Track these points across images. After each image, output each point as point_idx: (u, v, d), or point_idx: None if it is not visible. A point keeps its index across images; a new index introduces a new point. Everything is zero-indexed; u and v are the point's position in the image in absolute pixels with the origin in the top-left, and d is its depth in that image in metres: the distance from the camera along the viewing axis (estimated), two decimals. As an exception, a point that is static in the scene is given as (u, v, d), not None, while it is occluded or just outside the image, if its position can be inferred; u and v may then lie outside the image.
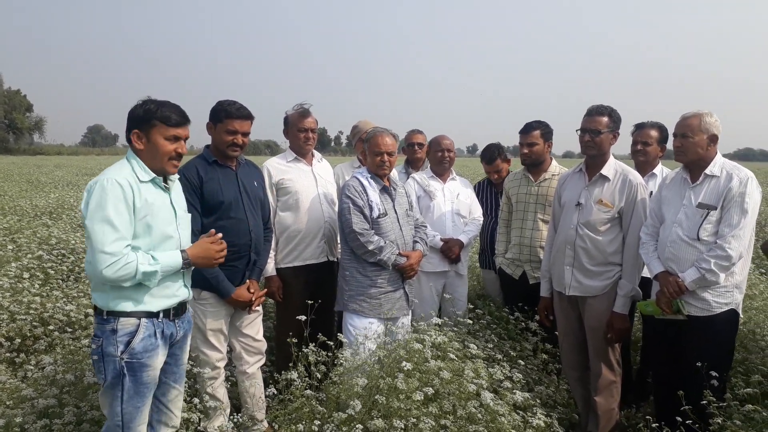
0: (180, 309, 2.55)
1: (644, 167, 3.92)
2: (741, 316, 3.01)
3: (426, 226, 3.85)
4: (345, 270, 3.45)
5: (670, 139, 3.42)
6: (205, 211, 3.09)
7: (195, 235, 2.76)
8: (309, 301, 3.16)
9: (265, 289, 3.44)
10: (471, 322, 3.49)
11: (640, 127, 3.97)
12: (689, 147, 3.00)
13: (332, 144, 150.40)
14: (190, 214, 2.70)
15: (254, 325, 3.41)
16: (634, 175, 3.28)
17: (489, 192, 4.64)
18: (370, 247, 3.29)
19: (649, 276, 3.17)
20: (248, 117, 3.18)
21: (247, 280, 3.27)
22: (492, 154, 4.58)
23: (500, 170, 4.57)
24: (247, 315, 3.34)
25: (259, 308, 3.43)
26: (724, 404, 2.70)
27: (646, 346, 3.91)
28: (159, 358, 2.42)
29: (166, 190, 2.50)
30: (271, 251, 3.66)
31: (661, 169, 3.95)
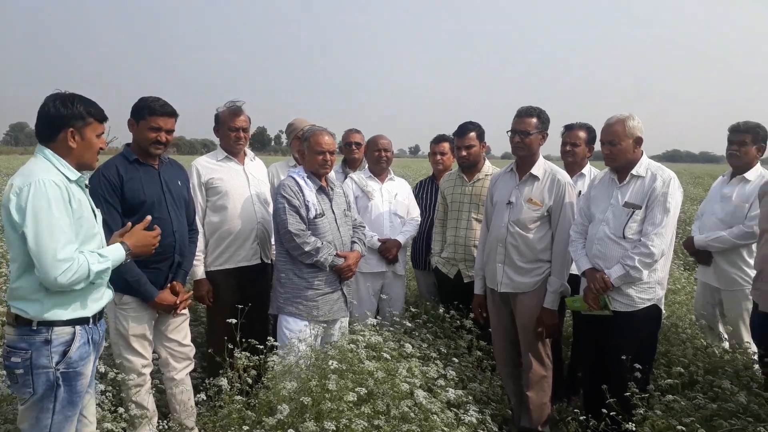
0: (102, 311, 2.48)
1: (573, 167, 4.05)
2: (663, 311, 3.15)
3: (364, 227, 3.83)
4: (280, 272, 3.38)
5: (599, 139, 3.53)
6: (127, 211, 2.97)
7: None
8: (239, 306, 3.07)
9: (191, 292, 3.32)
10: (408, 323, 3.48)
11: (568, 129, 4.09)
12: (617, 153, 3.12)
13: (272, 143, 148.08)
14: (100, 215, 2.60)
15: (180, 330, 3.29)
16: (563, 175, 3.38)
17: (431, 190, 4.65)
18: (307, 248, 3.23)
19: (577, 273, 3.27)
20: (172, 114, 3.08)
21: (172, 283, 3.16)
22: (464, 128, 4.16)
23: (471, 147, 4.09)
24: (172, 319, 3.22)
25: (185, 312, 3.32)
26: (647, 395, 2.81)
27: (576, 342, 4.04)
28: (91, 365, 2.37)
29: (86, 189, 2.43)
30: (200, 253, 3.54)
31: (589, 169, 4.08)
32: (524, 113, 3.38)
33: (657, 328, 3.19)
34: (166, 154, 3.23)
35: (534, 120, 3.35)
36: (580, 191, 3.82)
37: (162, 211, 3.05)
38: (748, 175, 3.80)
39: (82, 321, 2.30)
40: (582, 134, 4.04)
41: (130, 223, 2.54)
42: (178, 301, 3.14)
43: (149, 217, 2.55)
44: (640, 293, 3.05)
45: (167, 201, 3.10)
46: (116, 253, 2.35)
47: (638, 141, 3.09)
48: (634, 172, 3.09)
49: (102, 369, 2.81)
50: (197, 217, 3.50)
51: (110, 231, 2.63)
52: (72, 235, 2.20)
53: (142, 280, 2.97)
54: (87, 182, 2.44)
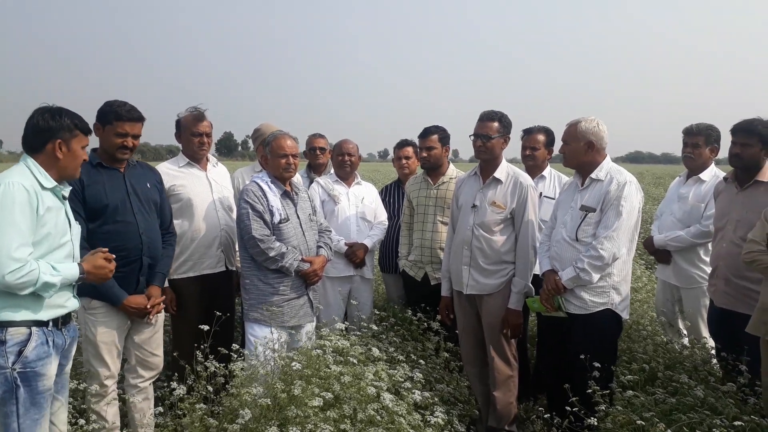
0: (67, 317, 2.48)
1: (533, 170, 4.12)
2: (623, 317, 3.17)
3: (330, 231, 3.82)
4: (245, 278, 3.35)
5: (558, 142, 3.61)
6: (90, 216, 2.94)
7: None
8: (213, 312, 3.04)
9: (163, 296, 3.28)
10: (376, 327, 3.49)
11: (528, 132, 4.16)
12: (568, 154, 3.22)
13: (239, 149, 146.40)
14: (80, 226, 2.64)
15: (154, 339, 3.25)
16: (525, 178, 3.43)
17: (397, 194, 4.68)
18: (271, 254, 3.21)
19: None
20: (139, 119, 3.06)
21: (149, 286, 3.13)
22: (427, 130, 4.20)
23: (432, 149, 4.13)
24: (147, 328, 3.17)
25: (159, 320, 3.27)
26: (608, 392, 2.86)
27: (539, 341, 4.11)
28: (52, 367, 2.37)
29: (64, 200, 2.47)
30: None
31: (549, 171, 4.16)
32: (486, 117, 3.43)
33: (615, 332, 3.22)
34: (133, 159, 3.20)
35: (495, 124, 3.39)
36: (540, 193, 3.89)
37: (126, 215, 3.02)
38: (703, 175, 3.91)
39: (37, 323, 2.31)
40: (541, 137, 4.12)
41: (105, 250, 2.55)
42: (149, 305, 3.08)
43: (106, 250, 2.55)
44: (593, 297, 3.09)
45: (132, 204, 3.06)
46: (70, 271, 2.37)
47: (590, 145, 3.14)
48: (593, 175, 3.15)
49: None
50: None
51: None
52: (29, 239, 2.23)
53: (109, 283, 2.90)
54: (66, 194, 2.48)
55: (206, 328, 2.89)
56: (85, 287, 2.72)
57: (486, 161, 3.47)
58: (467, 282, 3.46)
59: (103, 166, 3.02)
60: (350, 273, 4.20)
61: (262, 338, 3.13)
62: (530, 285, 3.41)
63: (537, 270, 3.44)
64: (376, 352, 3.01)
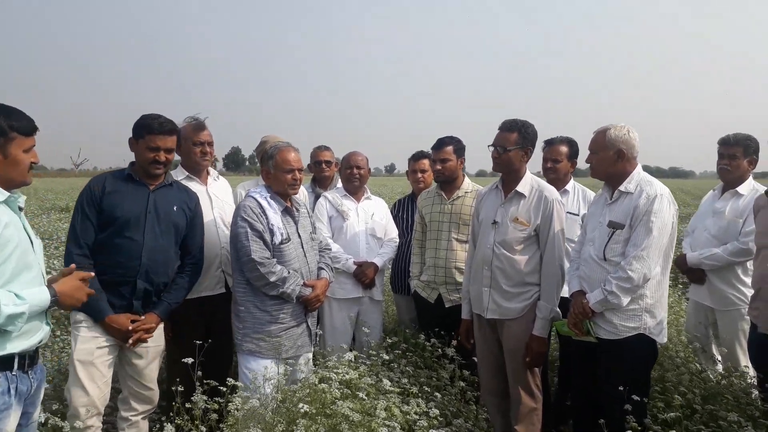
0: (35, 355, 2.14)
1: (556, 184, 3.83)
2: (658, 342, 2.89)
3: (330, 249, 3.57)
4: (239, 305, 3.07)
5: (583, 154, 3.37)
6: (101, 225, 2.83)
7: (83, 248, 2.78)
8: (199, 342, 2.77)
9: (152, 324, 3.02)
10: (387, 356, 3.19)
11: (549, 144, 3.90)
12: (595, 164, 2.96)
13: (247, 163, 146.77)
14: (40, 241, 2.31)
15: (149, 372, 3.00)
16: (550, 191, 3.17)
17: (410, 209, 4.41)
18: (272, 279, 2.94)
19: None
20: (172, 132, 2.93)
21: (147, 315, 2.91)
22: (441, 141, 3.93)
23: (447, 161, 3.83)
24: (139, 359, 2.93)
25: (155, 351, 3.02)
26: (641, 428, 2.57)
27: (565, 368, 3.81)
28: (11, 421, 2.01)
29: (20, 211, 2.14)
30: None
31: (573, 185, 3.89)
32: (504, 127, 3.18)
33: (649, 360, 2.93)
34: (170, 178, 3.09)
35: (514, 135, 3.14)
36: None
37: (135, 232, 2.85)
38: (741, 189, 3.64)
39: (1, 364, 1.98)
40: (563, 149, 3.86)
41: (74, 265, 2.26)
42: (130, 327, 2.82)
43: (78, 272, 2.22)
44: (624, 321, 2.81)
45: (147, 222, 2.89)
46: (38, 297, 2.03)
47: (620, 154, 2.88)
48: (622, 188, 2.89)
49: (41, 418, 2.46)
50: None
51: (77, 243, 2.77)
52: None
53: (96, 295, 2.67)
54: (21, 204, 2.16)
55: (191, 361, 2.59)
56: None
57: (507, 174, 3.22)
58: (488, 305, 3.18)
59: (132, 179, 2.94)
60: (359, 294, 3.94)
61: (259, 372, 2.85)
62: (557, 309, 3.12)
63: (565, 292, 3.17)
64: (387, 383, 2.73)
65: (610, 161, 2.91)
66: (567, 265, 3.20)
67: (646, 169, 2.97)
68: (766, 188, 3.29)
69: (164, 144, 2.89)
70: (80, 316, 2.77)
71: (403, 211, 4.46)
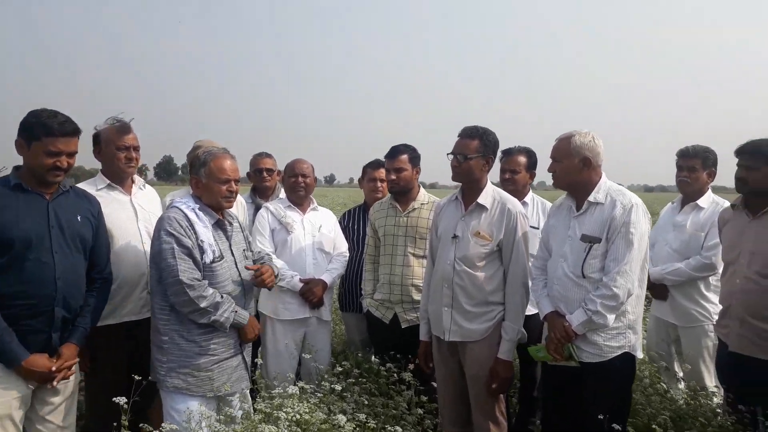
0: None
1: (515, 196, 3.62)
2: (638, 356, 2.74)
3: (270, 255, 3.23)
4: (161, 334, 2.65)
5: (541, 165, 3.18)
6: None
7: None
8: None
9: (77, 359, 2.58)
10: (339, 387, 2.86)
11: (507, 154, 3.71)
12: (559, 172, 2.77)
13: (179, 173, 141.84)
14: None
15: (63, 409, 2.53)
16: (513, 204, 2.95)
17: (361, 220, 4.10)
18: (203, 304, 2.54)
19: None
20: (75, 132, 2.45)
21: (63, 345, 2.46)
22: (396, 150, 3.61)
23: (402, 170, 3.50)
24: (54, 396, 2.47)
25: (70, 385, 2.57)
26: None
27: (528, 389, 3.61)
28: None
29: None
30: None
31: (532, 197, 3.72)
32: (465, 134, 2.95)
33: (631, 379, 2.79)
34: (65, 184, 2.56)
35: (475, 142, 2.91)
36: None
37: (42, 252, 2.37)
38: (701, 202, 3.55)
39: None
40: (522, 159, 3.67)
41: None
42: (53, 368, 2.39)
43: None
44: (608, 341, 2.63)
45: (53, 240, 2.42)
46: None
47: (585, 162, 2.71)
48: (591, 198, 2.72)
49: None
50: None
51: None
52: None
53: (5, 337, 2.26)
54: None
55: (123, 400, 2.20)
56: None
57: (466, 184, 2.98)
58: (448, 327, 2.92)
59: (23, 188, 2.39)
60: (305, 315, 3.60)
61: (185, 412, 2.46)
62: (523, 330, 2.90)
63: (528, 311, 2.95)
64: (342, 419, 2.42)
65: (575, 170, 2.73)
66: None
67: (630, 188, 2.82)
68: (728, 202, 3.20)
69: (67, 147, 2.41)
70: None
71: (354, 222, 4.15)
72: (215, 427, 2.24)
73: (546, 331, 2.80)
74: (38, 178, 2.42)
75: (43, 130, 2.35)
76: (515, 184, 3.66)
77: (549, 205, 3.66)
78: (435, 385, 3.18)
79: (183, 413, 2.46)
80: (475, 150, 2.90)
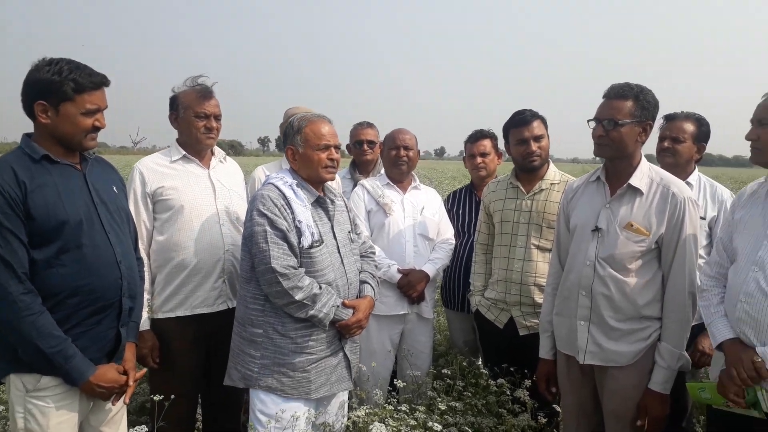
0: None
1: (674, 173, 2.85)
2: None
3: (374, 253, 2.76)
4: (253, 326, 2.30)
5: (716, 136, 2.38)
6: (37, 239, 1.87)
7: (25, 283, 1.84)
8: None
9: (144, 369, 2.25)
10: (441, 404, 2.37)
11: (669, 119, 2.92)
12: (766, 139, 1.95)
13: (275, 148, 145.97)
14: None
15: (116, 420, 2.20)
16: (680, 187, 2.22)
17: (470, 203, 3.52)
18: (299, 296, 2.19)
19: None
20: (103, 83, 2.02)
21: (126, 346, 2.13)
22: (525, 115, 2.95)
23: (541, 138, 2.89)
24: (106, 404, 2.12)
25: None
26: None
27: (679, 420, 2.86)
28: None
29: None
30: (144, 294, 2.45)
31: (698, 178, 2.90)
32: (614, 94, 2.24)
33: None
34: (90, 151, 2.13)
35: (629, 104, 2.20)
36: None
37: (95, 236, 1.99)
38: None
39: None
40: (689, 126, 2.87)
41: None
42: (130, 381, 2.09)
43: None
44: None
45: (102, 218, 2.03)
46: None
47: None
48: None
49: None
50: (140, 243, 2.43)
51: (15, 276, 1.81)
52: None
53: (68, 350, 1.90)
54: None
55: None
56: (28, 357, 1.87)
57: (612, 160, 2.29)
58: (584, 346, 2.27)
59: (51, 160, 1.96)
60: (404, 311, 3.14)
61: (276, 416, 2.17)
62: (686, 355, 2.20)
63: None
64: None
65: None
66: None
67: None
68: None
69: (103, 103, 2.02)
70: (46, 380, 1.92)
71: (460, 206, 3.56)
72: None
73: (718, 361, 2.06)
74: (68, 145, 2.00)
75: (73, 86, 1.93)
76: (676, 157, 2.86)
77: (721, 189, 2.85)
78: (558, 409, 2.58)
79: (272, 417, 2.18)
80: (628, 113, 2.19)
